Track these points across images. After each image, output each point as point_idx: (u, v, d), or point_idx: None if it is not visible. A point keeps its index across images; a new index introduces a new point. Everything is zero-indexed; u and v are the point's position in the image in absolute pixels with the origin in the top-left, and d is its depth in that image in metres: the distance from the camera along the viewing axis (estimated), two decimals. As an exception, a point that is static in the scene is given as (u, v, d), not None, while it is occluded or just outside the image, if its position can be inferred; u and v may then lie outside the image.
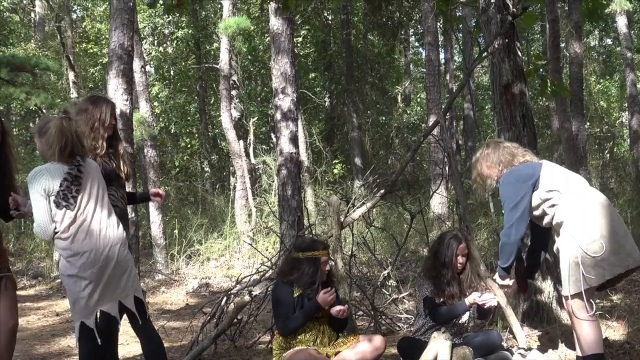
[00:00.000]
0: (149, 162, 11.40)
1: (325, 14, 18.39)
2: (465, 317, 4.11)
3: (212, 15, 19.38)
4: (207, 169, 19.14)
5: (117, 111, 4.06)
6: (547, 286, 4.85)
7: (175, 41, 18.41)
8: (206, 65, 17.52)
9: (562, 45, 14.86)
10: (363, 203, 5.58)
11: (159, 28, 18.26)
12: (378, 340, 3.86)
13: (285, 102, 7.33)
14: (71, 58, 14.11)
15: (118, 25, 7.02)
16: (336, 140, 19.34)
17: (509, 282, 3.74)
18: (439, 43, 15.95)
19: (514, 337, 4.21)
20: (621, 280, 3.61)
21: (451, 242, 4.06)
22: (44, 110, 9.80)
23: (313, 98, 17.36)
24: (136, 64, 10.06)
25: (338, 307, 3.75)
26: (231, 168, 15.03)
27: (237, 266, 9.64)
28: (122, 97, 6.89)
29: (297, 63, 10.82)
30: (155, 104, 16.68)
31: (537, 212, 3.55)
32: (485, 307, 3.94)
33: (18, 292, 3.56)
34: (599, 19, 5.83)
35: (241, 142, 12.80)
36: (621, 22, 14.54)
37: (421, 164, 19.38)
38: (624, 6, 12.64)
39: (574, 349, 3.73)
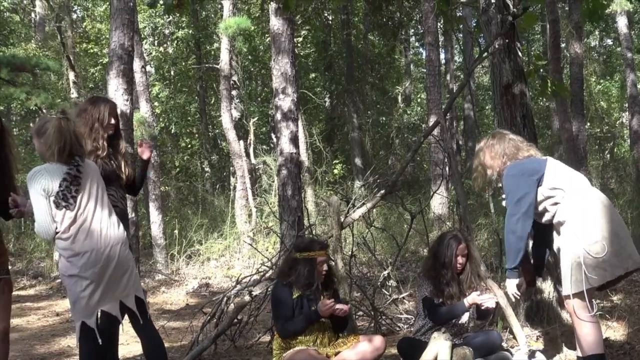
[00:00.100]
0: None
1: (326, 14, 18.38)
2: (465, 318, 4.10)
3: (212, 15, 19.39)
4: (207, 169, 19.13)
5: (118, 111, 4.04)
6: (547, 286, 4.84)
7: (176, 41, 18.41)
8: (206, 65, 17.51)
9: (563, 45, 14.87)
10: (363, 203, 5.56)
11: (159, 28, 18.27)
12: (378, 340, 3.87)
13: (285, 102, 7.33)
14: (71, 58, 14.09)
15: (118, 25, 7.01)
16: (336, 140, 19.33)
17: (517, 291, 3.62)
18: (440, 43, 15.95)
19: (514, 338, 4.20)
20: (620, 282, 3.60)
21: (451, 242, 4.05)
22: (44, 111, 9.80)
23: (313, 98, 17.35)
24: (136, 64, 10.06)
25: (340, 305, 3.75)
26: (231, 168, 15.03)
27: (237, 266, 9.64)
28: (122, 97, 6.88)
29: (298, 63, 10.80)
30: (156, 104, 16.68)
31: (538, 209, 3.51)
32: (483, 307, 3.93)
33: (18, 292, 3.57)
34: (600, 19, 5.81)
35: (241, 142, 12.80)
36: (621, 23, 14.54)
37: (421, 165, 19.37)
38: (624, 6, 12.62)
39: (574, 349, 3.72)
